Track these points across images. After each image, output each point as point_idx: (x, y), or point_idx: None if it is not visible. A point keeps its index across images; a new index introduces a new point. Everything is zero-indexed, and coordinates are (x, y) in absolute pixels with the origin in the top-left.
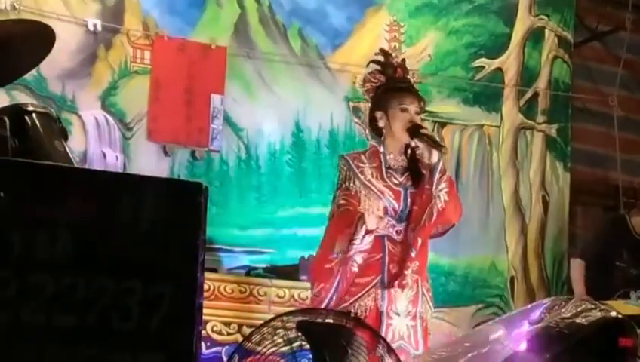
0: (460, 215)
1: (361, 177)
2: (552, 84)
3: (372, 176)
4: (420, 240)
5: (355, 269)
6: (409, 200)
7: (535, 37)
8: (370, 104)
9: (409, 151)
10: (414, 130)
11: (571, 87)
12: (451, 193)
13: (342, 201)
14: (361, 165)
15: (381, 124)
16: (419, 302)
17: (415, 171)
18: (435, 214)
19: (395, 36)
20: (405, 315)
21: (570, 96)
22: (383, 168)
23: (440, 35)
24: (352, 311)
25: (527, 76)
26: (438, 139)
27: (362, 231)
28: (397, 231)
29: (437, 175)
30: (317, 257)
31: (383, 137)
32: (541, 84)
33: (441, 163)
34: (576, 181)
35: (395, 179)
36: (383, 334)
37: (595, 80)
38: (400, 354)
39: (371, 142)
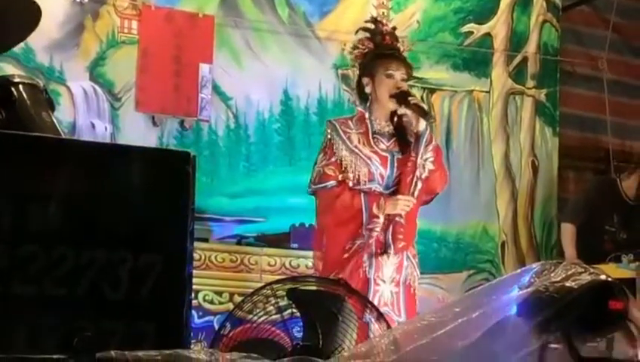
0: (444, 184)
1: (348, 143)
2: (541, 48)
3: (359, 142)
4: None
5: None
6: (396, 166)
7: (523, 1)
8: (358, 70)
9: (395, 118)
10: (402, 97)
11: (559, 52)
12: (437, 162)
13: (328, 171)
14: (348, 130)
15: (367, 90)
16: (403, 269)
17: (402, 137)
18: (420, 183)
19: (383, 3)
20: (390, 282)
21: (558, 61)
22: (370, 133)
23: (428, 1)
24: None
25: (516, 41)
26: (426, 107)
27: (381, 217)
28: (384, 198)
29: (423, 143)
30: (323, 252)
31: (369, 103)
32: (530, 48)
33: (427, 131)
34: (566, 145)
35: (383, 144)
36: None
37: (584, 43)
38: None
39: (358, 107)
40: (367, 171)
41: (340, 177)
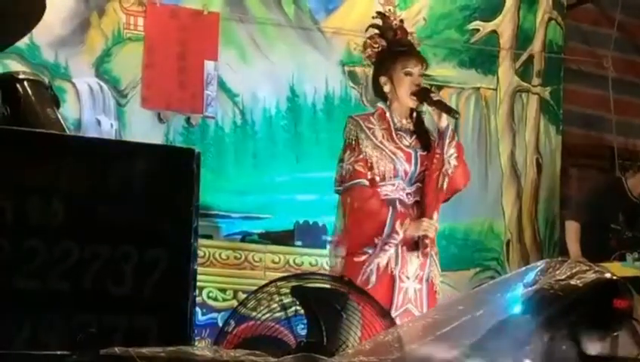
0: (467, 180)
1: (373, 138)
2: (547, 46)
3: (383, 138)
4: (439, 206)
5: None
6: (419, 163)
7: None
8: (373, 69)
9: (414, 115)
10: (423, 95)
11: (564, 50)
12: (460, 158)
13: (358, 168)
14: (371, 126)
15: (386, 89)
16: (427, 266)
17: (422, 135)
18: (446, 180)
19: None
20: (414, 279)
21: (562, 59)
22: (393, 130)
23: None
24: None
25: (522, 38)
26: (448, 103)
27: (401, 234)
28: (407, 194)
29: (447, 140)
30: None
31: (388, 102)
32: (536, 46)
33: (450, 128)
34: (571, 143)
35: (406, 140)
36: (395, 298)
37: (589, 42)
38: (406, 317)
39: (378, 104)
40: (393, 167)
41: (369, 175)
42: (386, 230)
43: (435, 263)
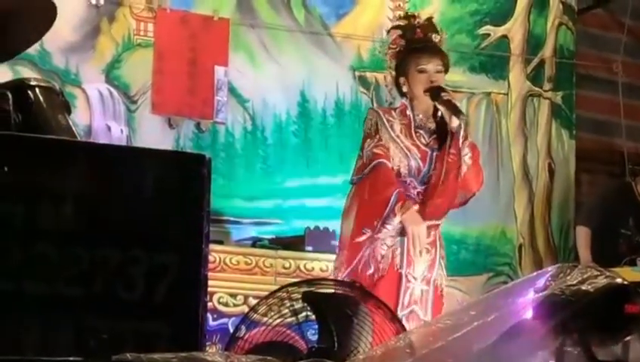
0: (480, 183)
1: (390, 131)
2: (557, 51)
3: (400, 132)
4: (447, 206)
5: (384, 252)
6: (434, 163)
7: (540, 4)
8: (395, 71)
9: (439, 113)
10: (435, 93)
11: (575, 55)
12: (473, 160)
13: (377, 151)
14: (391, 119)
15: (405, 89)
16: (434, 268)
17: (442, 135)
18: (458, 180)
19: (400, 5)
20: (421, 280)
21: (574, 64)
22: (412, 127)
23: (444, 3)
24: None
25: (533, 43)
26: (457, 104)
27: (396, 220)
28: (417, 193)
29: (460, 139)
30: (348, 229)
31: (408, 101)
32: (547, 51)
33: (462, 129)
34: (581, 148)
35: (424, 139)
36: (401, 298)
37: (599, 47)
38: (412, 319)
39: (402, 100)
40: (406, 163)
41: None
42: (387, 209)
43: (442, 267)
